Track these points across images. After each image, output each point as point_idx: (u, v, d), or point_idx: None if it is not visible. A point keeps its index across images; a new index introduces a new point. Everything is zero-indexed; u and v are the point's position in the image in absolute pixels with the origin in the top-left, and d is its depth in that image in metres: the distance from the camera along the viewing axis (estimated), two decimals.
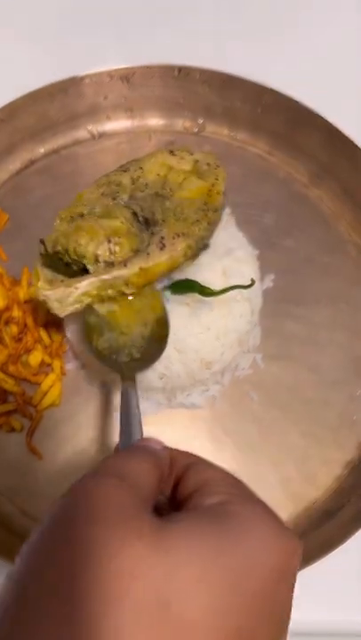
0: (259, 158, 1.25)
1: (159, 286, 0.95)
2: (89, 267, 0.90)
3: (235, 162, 1.23)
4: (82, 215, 0.94)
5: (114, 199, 0.97)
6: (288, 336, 1.10)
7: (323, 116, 1.19)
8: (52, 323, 1.05)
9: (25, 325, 1.02)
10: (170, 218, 0.94)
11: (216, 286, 0.93)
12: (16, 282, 1.07)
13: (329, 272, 1.15)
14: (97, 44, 1.37)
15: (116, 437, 1.00)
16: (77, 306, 0.90)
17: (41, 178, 1.21)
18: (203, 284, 0.93)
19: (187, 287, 0.93)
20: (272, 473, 1.00)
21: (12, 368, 1.00)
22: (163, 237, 0.91)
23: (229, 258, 1.00)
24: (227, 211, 1.08)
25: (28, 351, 1.02)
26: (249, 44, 1.39)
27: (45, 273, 0.93)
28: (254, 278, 1.00)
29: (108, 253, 0.89)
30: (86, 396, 1.04)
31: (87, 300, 0.89)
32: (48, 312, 0.95)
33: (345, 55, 1.42)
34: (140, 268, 0.88)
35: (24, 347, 1.01)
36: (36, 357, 1.02)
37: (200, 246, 0.94)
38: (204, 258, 0.98)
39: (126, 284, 0.89)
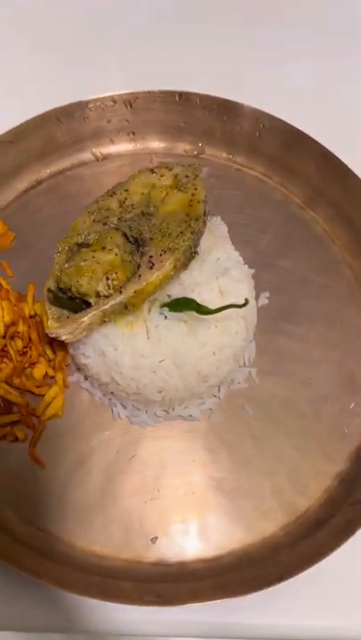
0: (256, 181, 1.30)
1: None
2: (90, 301, 0.99)
3: (233, 184, 1.29)
4: (78, 245, 1.04)
5: (105, 224, 1.06)
6: (282, 352, 1.14)
7: (318, 141, 1.24)
8: None
9: (30, 340, 1.06)
10: (156, 235, 1.01)
11: (213, 304, 0.98)
12: (22, 297, 1.11)
13: (323, 292, 1.20)
14: (101, 70, 1.43)
15: (119, 449, 1.04)
16: (86, 333, 1.00)
17: (47, 198, 1.26)
18: (200, 302, 0.97)
19: (185, 305, 0.98)
20: (266, 483, 1.04)
21: (16, 380, 1.04)
22: (151, 256, 0.99)
23: (226, 277, 1.05)
24: (224, 231, 1.12)
25: (33, 364, 1.06)
26: (247, 71, 1.45)
27: (53, 311, 1.02)
28: (250, 297, 1.05)
29: (106, 288, 0.99)
30: (88, 408, 1.08)
31: (95, 328, 0.99)
32: None
33: (339, 83, 1.47)
34: (135, 291, 0.97)
35: (28, 360, 1.05)
36: (40, 370, 1.06)
37: (188, 256, 1.01)
38: (202, 277, 1.03)
39: (125, 306, 0.98)
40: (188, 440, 1.07)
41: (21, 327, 1.05)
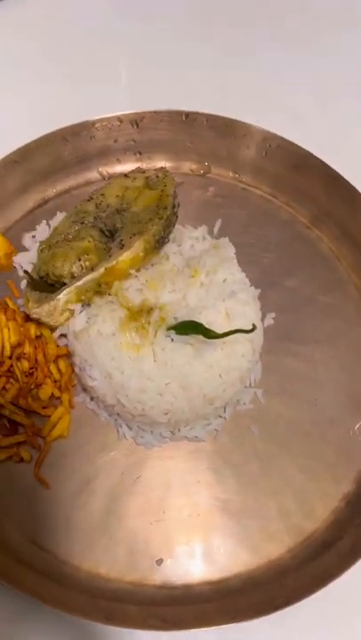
0: (262, 200, 1.30)
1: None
2: (67, 282, 1.07)
3: (239, 203, 1.29)
4: (57, 242, 1.12)
5: (82, 223, 1.15)
6: (288, 372, 1.14)
7: (324, 161, 1.25)
8: (62, 357, 1.09)
9: (36, 361, 1.06)
10: (128, 224, 1.11)
11: (220, 327, 0.98)
12: (28, 318, 1.11)
13: (329, 312, 1.20)
14: (108, 89, 1.44)
15: (124, 470, 1.04)
16: (67, 314, 1.07)
17: (54, 220, 1.25)
18: (207, 325, 0.98)
19: (191, 329, 0.98)
20: (271, 505, 1.03)
21: (22, 401, 1.04)
22: (122, 239, 1.08)
23: (232, 300, 1.05)
24: (231, 252, 1.13)
25: (39, 385, 1.06)
26: (254, 92, 1.46)
27: (33, 295, 1.10)
28: (256, 320, 1.06)
29: (80, 269, 1.08)
30: (93, 428, 1.08)
31: (73, 307, 1.06)
32: (58, 347, 1.09)
33: (345, 103, 1.47)
34: (105, 268, 1.06)
35: (34, 381, 1.05)
36: (45, 391, 1.06)
37: (158, 239, 1.09)
38: (208, 300, 1.03)
39: (99, 284, 1.06)
40: (194, 461, 1.06)
41: (27, 348, 1.05)
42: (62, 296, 1.05)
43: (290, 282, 1.22)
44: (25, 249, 1.21)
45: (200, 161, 1.32)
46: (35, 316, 1.06)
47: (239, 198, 1.30)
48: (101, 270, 1.06)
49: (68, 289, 1.05)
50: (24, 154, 1.23)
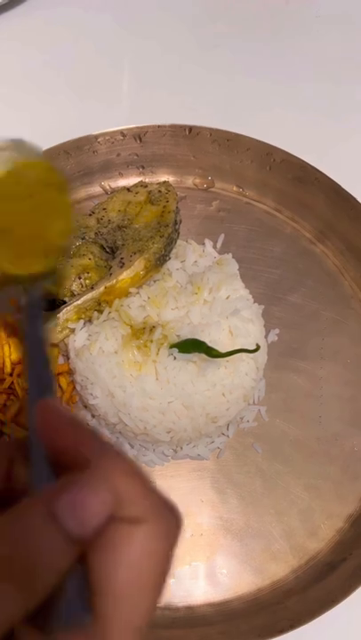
0: (266, 215, 1.29)
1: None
2: (66, 300, 1.07)
3: (243, 218, 1.28)
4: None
5: (83, 239, 1.14)
6: (292, 390, 1.12)
7: (328, 175, 1.24)
8: (63, 374, 1.08)
9: None
10: (128, 241, 1.10)
11: (223, 345, 0.97)
12: None
13: (333, 327, 1.18)
14: (111, 103, 1.44)
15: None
16: (66, 332, 1.06)
17: None
18: (210, 343, 0.97)
19: (194, 347, 0.97)
20: (276, 525, 1.02)
21: (23, 419, 1.03)
22: (122, 257, 1.07)
23: (236, 317, 1.04)
24: (234, 268, 1.12)
25: None
26: (257, 105, 1.45)
27: None
28: (260, 338, 1.05)
29: (80, 287, 1.08)
30: None
31: (72, 325, 1.05)
32: (59, 364, 1.07)
33: (350, 118, 1.47)
34: (105, 287, 1.05)
35: None
36: None
37: (158, 257, 1.08)
38: (212, 317, 1.02)
39: (99, 302, 1.06)
40: (197, 480, 1.05)
41: None
42: (62, 314, 1.05)
43: (294, 297, 1.20)
44: None
45: (203, 175, 1.31)
46: None
47: (243, 213, 1.29)
48: (101, 289, 1.05)
49: (67, 308, 1.05)
50: None
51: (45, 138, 1.23)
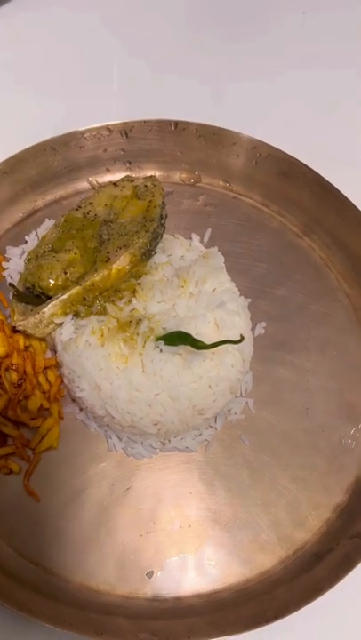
0: (253, 209, 1.30)
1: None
2: (52, 295, 1.07)
3: (229, 212, 1.29)
4: (44, 253, 1.11)
5: (69, 233, 1.13)
6: (279, 382, 1.13)
7: (314, 169, 1.24)
8: (51, 368, 1.09)
9: (24, 372, 1.05)
10: (114, 235, 1.10)
11: (209, 337, 0.98)
12: (16, 329, 1.10)
13: (320, 320, 1.19)
14: (97, 99, 1.44)
15: (114, 482, 1.03)
16: (52, 326, 1.07)
17: (42, 227, 1.25)
18: (196, 335, 0.97)
19: (180, 339, 0.97)
20: (263, 516, 1.03)
21: (11, 413, 1.03)
22: (108, 252, 1.08)
23: (221, 310, 1.04)
24: (220, 261, 1.12)
25: (27, 397, 1.05)
26: (244, 100, 1.46)
27: (19, 307, 1.10)
28: (246, 329, 1.06)
29: (66, 281, 1.07)
30: (83, 439, 1.07)
31: (58, 320, 1.06)
32: (47, 358, 1.09)
33: (336, 112, 1.48)
34: (91, 282, 1.06)
35: (23, 392, 1.04)
36: (34, 402, 1.05)
37: (144, 252, 1.10)
38: (198, 310, 1.03)
39: (84, 297, 1.06)
40: (185, 472, 1.06)
41: (16, 359, 1.05)
42: (47, 309, 1.05)
43: (280, 291, 1.21)
44: (13, 259, 1.21)
45: (190, 170, 1.32)
46: (20, 328, 1.06)
47: (230, 207, 1.30)
48: (87, 284, 1.05)
49: (53, 302, 1.05)
50: (13, 164, 1.23)
51: (32, 134, 1.24)
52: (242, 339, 0.95)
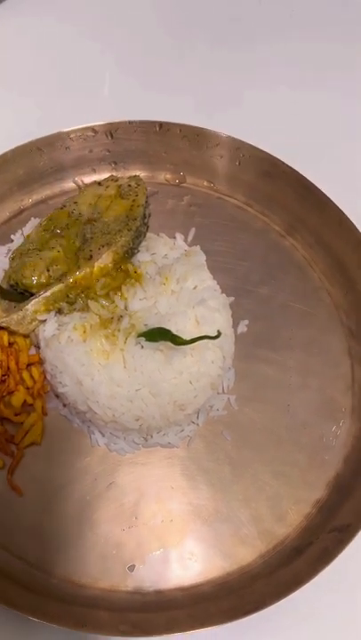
0: (237, 209, 1.32)
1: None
2: (35, 292, 1.09)
3: (214, 212, 1.30)
4: (28, 251, 1.13)
5: (53, 232, 1.15)
6: (261, 379, 1.15)
7: (297, 170, 1.26)
8: (34, 364, 1.10)
9: (8, 368, 1.07)
10: (97, 234, 1.13)
11: (189, 334, 1.00)
12: None
13: (302, 318, 1.21)
14: (82, 100, 1.46)
15: (97, 476, 1.04)
16: (36, 323, 1.09)
17: (28, 226, 1.26)
18: (176, 331, 0.99)
19: (160, 335, 0.99)
20: (244, 511, 1.04)
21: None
22: (91, 250, 1.10)
23: (202, 306, 1.06)
24: (201, 259, 1.14)
25: (11, 392, 1.06)
26: (227, 102, 1.48)
27: (3, 304, 1.12)
28: (226, 326, 1.07)
29: (49, 279, 1.09)
30: (67, 434, 1.08)
31: (41, 317, 1.08)
32: (30, 355, 1.10)
33: (319, 113, 1.50)
34: (74, 280, 1.08)
35: (7, 388, 1.06)
36: (18, 398, 1.06)
37: (126, 250, 1.12)
38: (178, 307, 1.04)
39: (67, 295, 1.08)
40: (167, 467, 1.07)
41: (0, 355, 1.06)
42: (30, 306, 1.07)
43: (264, 289, 1.23)
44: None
45: (175, 170, 1.33)
46: (4, 324, 1.08)
47: (214, 207, 1.31)
48: (69, 281, 1.07)
49: (36, 299, 1.07)
50: (0, 164, 1.24)
51: (18, 135, 1.26)
52: (219, 334, 0.97)
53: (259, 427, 1.11)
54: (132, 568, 0.99)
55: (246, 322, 1.18)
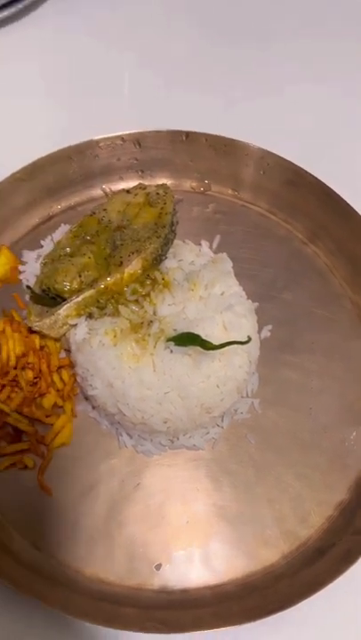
0: (260, 217, 1.34)
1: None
2: (66, 297, 1.12)
3: (238, 220, 1.33)
4: (59, 257, 1.16)
5: (84, 238, 1.18)
6: (284, 383, 1.17)
7: (320, 178, 1.29)
8: (65, 367, 1.13)
9: (40, 371, 1.09)
10: (127, 241, 1.15)
11: (217, 339, 1.02)
12: (32, 329, 1.14)
13: (324, 324, 1.23)
14: (111, 110, 1.49)
15: (124, 478, 1.07)
16: (66, 327, 1.12)
17: (57, 232, 1.29)
18: (205, 337, 1.01)
19: (190, 340, 1.01)
20: (267, 512, 1.06)
21: (26, 410, 1.07)
22: (121, 257, 1.13)
23: (230, 312, 1.08)
24: (228, 266, 1.16)
25: (42, 394, 1.09)
26: (252, 111, 1.50)
27: (35, 308, 1.15)
28: (253, 332, 1.10)
29: (80, 284, 1.12)
30: (95, 436, 1.11)
31: (72, 321, 1.11)
32: (60, 358, 1.13)
33: (341, 123, 1.52)
34: (105, 286, 1.10)
35: (38, 390, 1.09)
36: (49, 400, 1.09)
37: (155, 257, 1.15)
38: (206, 312, 1.07)
39: (98, 300, 1.11)
40: (192, 469, 1.09)
41: (32, 358, 1.09)
42: (62, 311, 1.10)
43: (287, 295, 1.25)
44: (29, 262, 1.25)
45: (200, 179, 1.36)
46: (36, 328, 1.11)
47: (238, 215, 1.34)
48: (100, 287, 1.10)
49: (68, 304, 1.10)
50: (30, 172, 1.28)
51: (50, 143, 1.29)
52: (249, 340, 0.99)
53: (282, 430, 1.13)
54: (158, 567, 1.01)
55: (270, 327, 1.20)
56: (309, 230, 1.31)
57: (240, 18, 1.72)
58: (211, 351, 1.02)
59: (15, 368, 1.08)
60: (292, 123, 1.49)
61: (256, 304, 1.19)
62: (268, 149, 1.31)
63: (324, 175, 1.28)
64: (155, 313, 1.08)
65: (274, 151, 1.31)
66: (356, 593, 1.01)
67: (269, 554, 1.03)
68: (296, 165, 1.30)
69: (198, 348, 1.02)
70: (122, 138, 1.31)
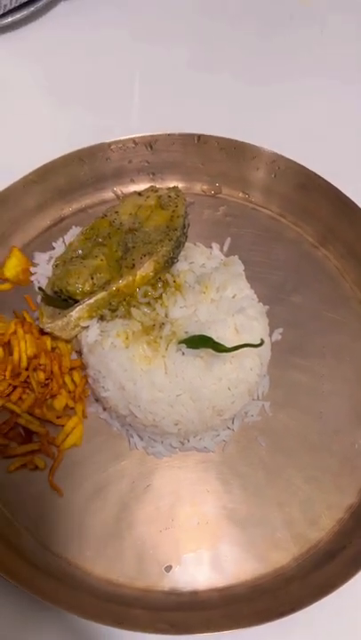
0: (271, 220, 1.34)
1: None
2: (78, 299, 1.12)
3: (248, 223, 1.33)
4: (71, 259, 1.16)
5: (95, 240, 1.18)
6: (295, 386, 1.17)
7: (331, 182, 1.29)
8: (76, 369, 1.13)
9: (51, 372, 1.10)
10: (139, 244, 1.15)
11: (229, 341, 1.02)
12: (44, 331, 1.15)
13: (334, 327, 1.23)
14: (123, 113, 1.51)
15: (134, 479, 1.07)
16: (78, 329, 1.12)
17: (69, 234, 1.29)
18: (216, 339, 1.01)
19: (201, 342, 1.02)
20: (277, 514, 1.06)
21: (37, 411, 1.08)
22: (133, 259, 1.13)
23: (241, 315, 1.09)
24: (240, 269, 1.17)
25: (54, 396, 1.10)
26: (264, 115, 1.50)
27: (47, 310, 1.16)
28: (264, 334, 1.10)
29: (92, 286, 1.12)
30: (106, 438, 1.11)
31: (84, 323, 1.11)
32: (72, 360, 1.14)
33: (352, 126, 1.52)
34: (117, 288, 1.11)
35: (49, 392, 1.09)
36: (60, 402, 1.10)
37: (167, 260, 1.15)
38: (218, 315, 1.07)
39: (110, 302, 1.11)
40: (202, 471, 1.10)
41: (43, 360, 1.09)
42: (74, 313, 1.10)
43: (297, 298, 1.26)
44: (41, 264, 1.25)
45: (211, 182, 1.36)
46: (48, 330, 1.12)
47: (249, 218, 1.34)
48: (112, 289, 1.10)
49: (80, 306, 1.10)
50: (42, 174, 1.28)
51: (61, 145, 1.29)
52: (262, 342, 0.99)
53: (292, 432, 1.13)
54: (168, 569, 1.01)
55: (280, 330, 1.21)
56: (320, 233, 1.32)
57: (254, 19, 1.72)
58: (222, 354, 1.02)
59: (27, 369, 1.09)
60: (303, 126, 1.49)
61: (267, 307, 1.19)
62: (280, 153, 1.31)
63: (335, 179, 1.29)
64: (166, 315, 1.08)
65: (285, 154, 1.31)
66: None
67: (280, 556, 1.03)
68: (307, 169, 1.30)
69: (209, 351, 1.02)
70: (133, 140, 1.32)
